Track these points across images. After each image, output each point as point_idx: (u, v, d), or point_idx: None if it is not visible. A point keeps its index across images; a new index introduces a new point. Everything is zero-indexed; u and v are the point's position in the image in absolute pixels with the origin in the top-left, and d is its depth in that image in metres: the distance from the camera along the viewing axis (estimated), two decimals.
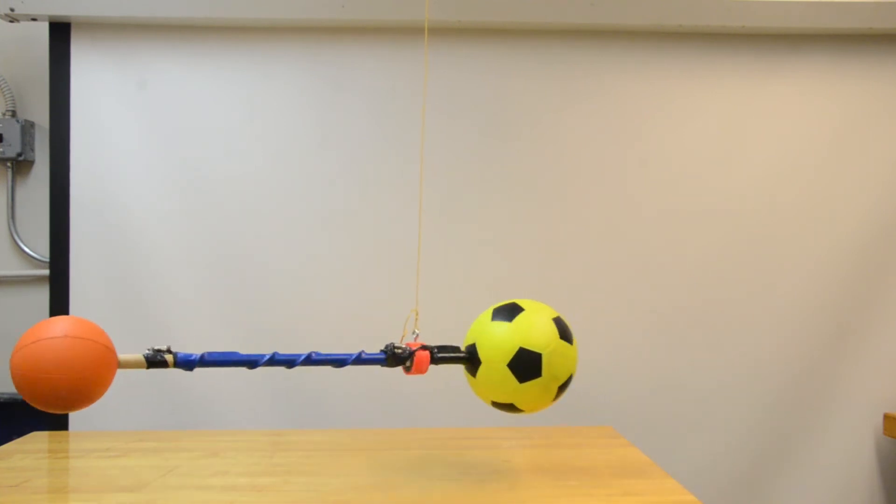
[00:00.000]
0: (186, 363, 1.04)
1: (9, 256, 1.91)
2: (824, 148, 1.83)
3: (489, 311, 1.14)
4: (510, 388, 1.07)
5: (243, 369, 1.75)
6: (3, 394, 1.88)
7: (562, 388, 1.10)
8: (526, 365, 1.05)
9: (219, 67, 1.78)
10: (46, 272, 1.81)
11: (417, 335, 1.14)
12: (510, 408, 1.12)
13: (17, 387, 0.89)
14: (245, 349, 1.75)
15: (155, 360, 1.00)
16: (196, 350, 1.73)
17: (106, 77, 1.76)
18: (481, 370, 1.09)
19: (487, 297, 1.71)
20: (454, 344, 1.14)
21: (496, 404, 1.13)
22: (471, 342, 1.13)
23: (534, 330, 1.07)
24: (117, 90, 1.77)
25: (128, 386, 1.76)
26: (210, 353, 1.05)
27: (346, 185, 1.79)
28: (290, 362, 1.08)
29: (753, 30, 1.79)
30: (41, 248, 1.89)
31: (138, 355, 0.99)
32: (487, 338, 1.09)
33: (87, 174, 1.76)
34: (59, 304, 1.75)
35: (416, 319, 1.15)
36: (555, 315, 1.11)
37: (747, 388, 1.82)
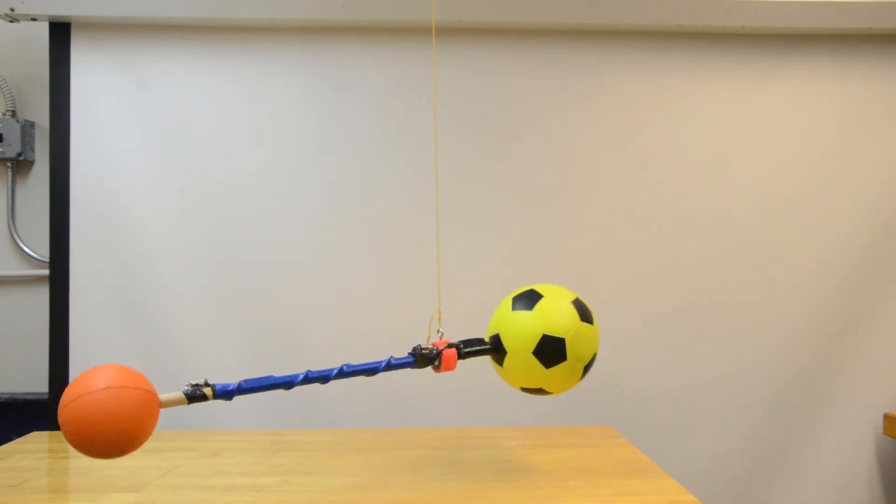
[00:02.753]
0: (225, 394, 1.04)
1: (9, 256, 1.91)
2: (824, 148, 1.83)
3: (509, 300, 1.16)
4: (538, 373, 1.10)
5: (241, 370, 1.75)
6: (2, 394, 1.88)
7: (587, 367, 1.14)
8: (551, 351, 1.09)
9: (219, 67, 1.78)
10: (46, 272, 1.81)
11: (442, 333, 1.15)
12: (539, 391, 1.15)
13: (70, 442, 0.91)
14: (245, 349, 1.77)
15: (195, 396, 1.01)
16: (199, 352, 1.74)
17: (106, 77, 1.76)
18: (508, 359, 1.12)
19: (487, 296, 1.71)
20: (474, 337, 1.16)
21: (525, 389, 1.16)
22: (494, 332, 1.15)
23: (554, 315, 1.10)
24: (117, 90, 1.77)
25: None
26: (247, 381, 1.09)
27: (346, 185, 1.79)
28: (324, 378, 1.09)
29: (753, 30, 1.79)
30: (41, 248, 1.89)
31: (179, 394, 1.00)
32: (510, 327, 1.12)
33: (87, 174, 1.76)
34: (59, 304, 1.75)
35: (440, 318, 1.16)
36: (573, 297, 1.14)
37: (747, 388, 1.82)
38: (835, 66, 1.83)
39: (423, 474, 1.22)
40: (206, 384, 1.03)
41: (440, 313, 1.17)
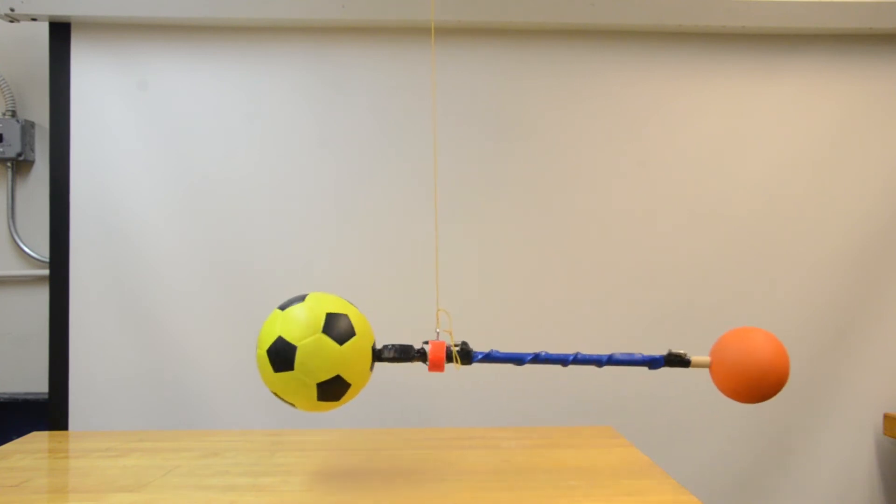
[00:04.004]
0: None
1: (9, 256, 1.91)
2: (824, 148, 1.84)
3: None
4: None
5: (241, 370, 1.76)
6: (2, 394, 1.88)
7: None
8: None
9: (219, 67, 1.78)
10: (46, 272, 1.81)
11: (440, 333, 1.14)
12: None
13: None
14: (245, 349, 1.76)
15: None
16: (198, 351, 1.74)
17: (106, 77, 1.76)
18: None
19: (487, 295, 1.72)
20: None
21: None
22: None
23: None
24: (117, 90, 1.77)
25: (128, 386, 1.76)
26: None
27: (346, 185, 1.79)
28: (563, 361, 1.13)
29: (753, 30, 1.79)
30: (41, 248, 1.89)
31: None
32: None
33: (87, 174, 1.76)
34: (59, 304, 1.75)
35: (449, 318, 1.16)
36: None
37: None
38: (835, 66, 1.83)
39: (423, 474, 1.22)
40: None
41: (438, 312, 1.16)
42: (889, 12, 1.77)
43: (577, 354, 1.12)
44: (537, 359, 1.12)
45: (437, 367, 1.11)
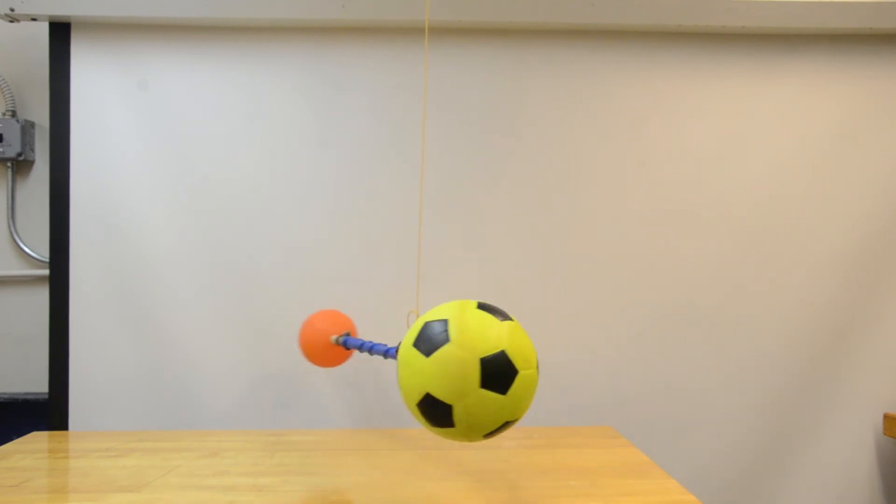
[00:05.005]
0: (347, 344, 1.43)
1: (9, 256, 1.91)
2: (824, 148, 1.84)
3: (419, 323, 0.93)
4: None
5: (241, 370, 1.76)
6: (2, 394, 1.88)
7: (425, 408, 0.89)
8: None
9: (219, 67, 1.78)
10: (46, 272, 1.81)
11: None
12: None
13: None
14: (245, 349, 1.77)
15: (338, 342, 1.43)
16: (198, 351, 1.74)
17: (106, 77, 1.76)
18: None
19: (486, 295, 1.71)
20: None
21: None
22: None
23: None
24: (117, 90, 1.77)
25: (128, 386, 1.76)
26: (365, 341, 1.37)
27: (346, 185, 1.79)
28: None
29: (753, 30, 1.79)
30: (41, 248, 1.89)
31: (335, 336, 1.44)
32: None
33: (87, 174, 1.76)
34: (59, 304, 1.75)
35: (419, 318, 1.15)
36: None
37: (747, 387, 1.82)
38: (835, 66, 1.83)
39: (423, 474, 1.22)
40: (347, 335, 1.41)
41: (418, 314, 1.16)
42: (889, 12, 1.77)
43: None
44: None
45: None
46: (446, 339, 0.84)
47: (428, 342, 0.85)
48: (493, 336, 0.87)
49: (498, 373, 0.84)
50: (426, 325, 0.88)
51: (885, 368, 1.84)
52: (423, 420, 0.89)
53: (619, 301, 1.81)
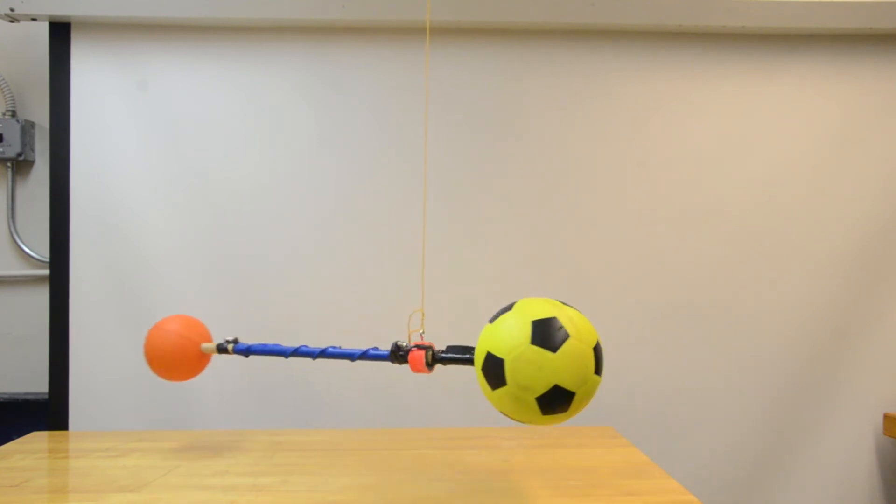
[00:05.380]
0: (240, 351, 1.31)
1: (9, 256, 1.91)
2: (824, 148, 1.84)
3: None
4: (487, 393, 0.99)
5: (241, 370, 1.76)
6: (2, 394, 1.88)
7: (547, 401, 0.94)
8: (492, 370, 0.96)
9: (219, 67, 1.78)
10: (46, 272, 1.81)
11: (422, 335, 1.14)
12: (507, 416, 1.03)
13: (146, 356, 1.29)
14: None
15: (223, 348, 1.31)
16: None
17: (106, 77, 1.77)
18: (477, 373, 1.03)
19: (487, 296, 1.72)
20: (461, 343, 1.13)
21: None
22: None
23: (502, 332, 0.97)
24: (117, 90, 1.77)
25: (128, 386, 1.76)
26: (257, 345, 1.31)
27: (346, 185, 1.79)
28: (310, 354, 1.23)
29: (753, 30, 1.79)
30: (41, 248, 1.89)
31: (213, 344, 1.33)
32: (480, 337, 1.02)
33: (87, 174, 1.76)
34: (59, 304, 1.75)
35: (423, 319, 1.15)
36: (545, 316, 0.97)
37: (747, 388, 1.82)
38: (835, 66, 1.83)
39: (423, 474, 1.22)
40: (232, 341, 1.31)
41: (423, 314, 1.16)
42: (889, 12, 1.77)
43: (326, 348, 1.20)
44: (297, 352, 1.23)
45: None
46: (567, 335, 0.95)
47: (551, 339, 0.95)
48: (591, 328, 1.01)
49: (601, 358, 1.00)
50: (541, 324, 0.96)
51: (885, 368, 1.84)
52: (533, 411, 0.96)
53: (618, 301, 1.81)
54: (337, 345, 1.73)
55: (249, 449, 1.39)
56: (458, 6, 1.73)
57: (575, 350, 0.95)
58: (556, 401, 0.95)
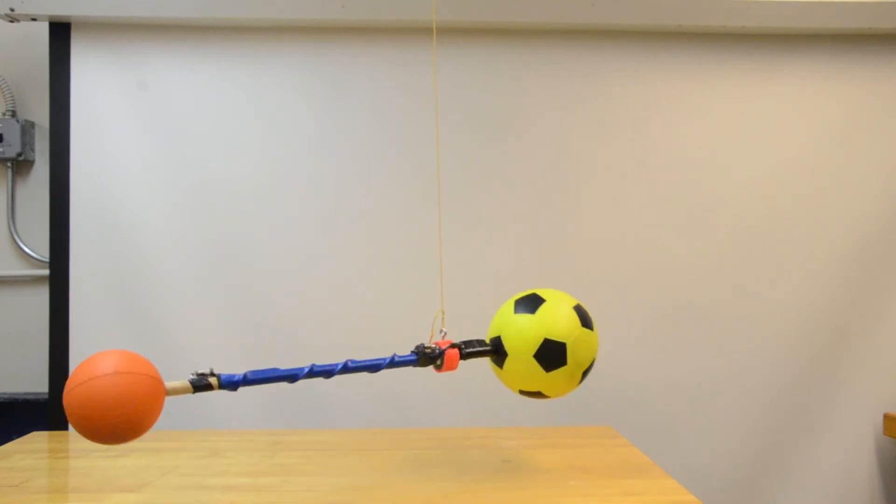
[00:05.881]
0: (231, 384, 1.02)
1: (9, 256, 1.91)
2: (824, 148, 1.84)
3: (511, 303, 1.17)
4: (538, 377, 1.11)
5: (240, 370, 1.75)
6: (2, 394, 1.88)
7: (586, 372, 1.15)
8: (551, 355, 1.10)
9: (219, 67, 1.78)
10: (46, 272, 1.81)
11: (445, 333, 1.15)
12: (537, 395, 1.17)
13: (74, 426, 0.88)
14: (245, 349, 1.77)
15: (200, 385, 1.01)
16: (198, 352, 1.74)
17: (106, 77, 1.76)
18: (508, 362, 1.13)
19: (487, 296, 1.71)
20: (474, 337, 1.18)
21: (524, 392, 1.17)
22: (495, 334, 1.15)
23: (557, 320, 1.11)
24: (117, 90, 1.77)
25: None
26: (252, 372, 1.04)
27: (346, 185, 1.79)
28: (328, 372, 1.05)
29: (753, 30, 1.79)
30: (41, 248, 1.89)
31: (185, 382, 1.00)
32: (512, 330, 1.13)
33: (87, 174, 1.76)
34: (59, 305, 1.75)
35: (443, 318, 1.17)
36: (575, 303, 1.15)
37: (747, 388, 1.82)
38: (835, 66, 1.83)
39: (423, 474, 1.22)
40: (212, 374, 1.02)
41: (443, 313, 1.17)
42: (889, 12, 1.77)
43: (347, 362, 1.06)
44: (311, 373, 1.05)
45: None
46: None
47: (588, 320, 1.14)
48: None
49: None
50: (578, 308, 1.14)
51: (885, 368, 1.84)
52: (576, 383, 1.14)
53: (618, 301, 1.81)
54: (337, 345, 1.75)
55: (249, 449, 1.39)
56: (459, 6, 1.73)
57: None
58: (589, 371, 1.16)
